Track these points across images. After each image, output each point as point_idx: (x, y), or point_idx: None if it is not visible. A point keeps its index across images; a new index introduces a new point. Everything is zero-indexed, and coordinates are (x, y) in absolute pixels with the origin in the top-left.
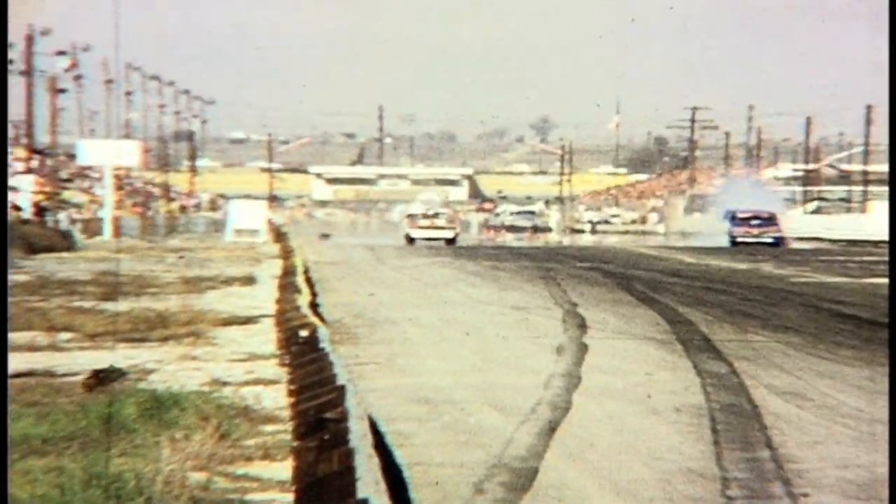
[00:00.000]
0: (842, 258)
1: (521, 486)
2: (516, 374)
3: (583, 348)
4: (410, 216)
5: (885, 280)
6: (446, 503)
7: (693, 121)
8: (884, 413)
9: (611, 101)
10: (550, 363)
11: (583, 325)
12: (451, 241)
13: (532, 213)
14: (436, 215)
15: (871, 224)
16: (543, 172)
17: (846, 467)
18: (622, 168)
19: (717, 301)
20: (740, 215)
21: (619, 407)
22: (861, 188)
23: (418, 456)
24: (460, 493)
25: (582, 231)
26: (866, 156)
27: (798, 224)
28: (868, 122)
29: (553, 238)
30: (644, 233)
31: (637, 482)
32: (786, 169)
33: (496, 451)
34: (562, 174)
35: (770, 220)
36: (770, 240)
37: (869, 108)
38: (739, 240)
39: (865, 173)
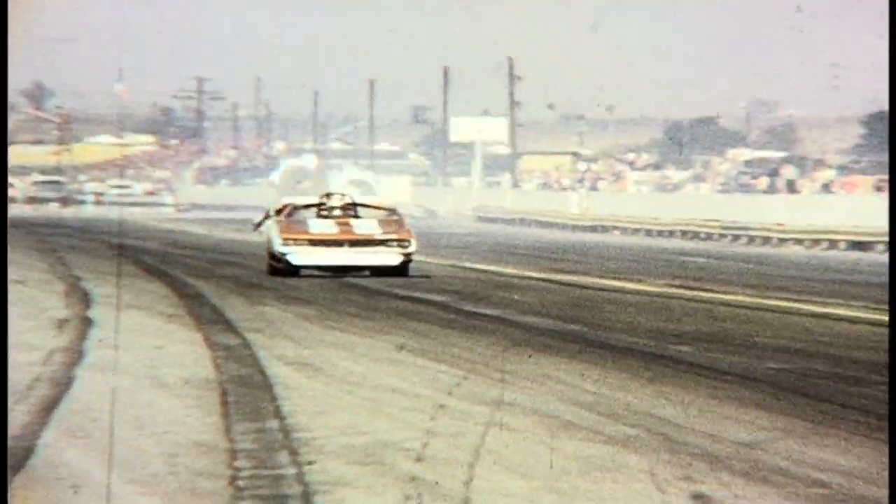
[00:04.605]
0: None
1: (13, 466)
2: (11, 350)
3: (87, 322)
4: (282, 213)
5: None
6: None
7: (200, 91)
8: (390, 379)
9: (115, 67)
10: (50, 338)
11: (87, 299)
12: (397, 272)
13: (59, 182)
14: (350, 210)
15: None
16: (40, 142)
17: (351, 434)
18: (137, 136)
19: (229, 273)
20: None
21: (126, 382)
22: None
23: None
24: None
25: (84, 202)
26: (371, 131)
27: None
28: (371, 97)
29: (51, 209)
30: (153, 204)
31: (142, 457)
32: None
33: None
34: (60, 143)
35: None
36: None
37: (372, 82)
38: None
39: (372, 148)
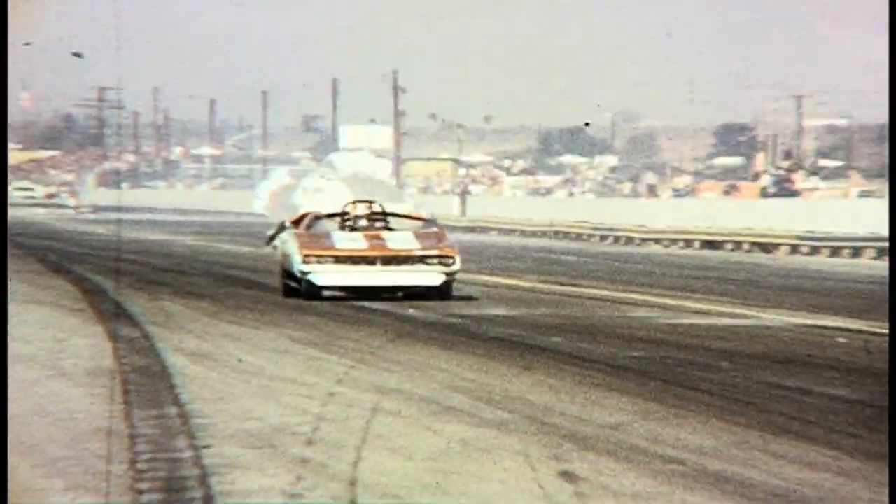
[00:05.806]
0: (242, 231)
1: None
2: None
3: None
4: (300, 224)
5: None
6: None
7: (101, 100)
8: (282, 369)
9: (21, 76)
10: None
11: None
12: (438, 294)
13: None
14: (380, 220)
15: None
16: None
17: (246, 420)
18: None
19: (130, 270)
20: None
21: (30, 373)
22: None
23: None
24: None
25: None
26: (265, 138)
27: (202, 199)
28: (265, 106)
29: None
30: (54, 206)
31: (47, 442)
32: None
33: None
34: None
35: None
36: None
37: (265, 93)
38: None
39: (265, 155)
